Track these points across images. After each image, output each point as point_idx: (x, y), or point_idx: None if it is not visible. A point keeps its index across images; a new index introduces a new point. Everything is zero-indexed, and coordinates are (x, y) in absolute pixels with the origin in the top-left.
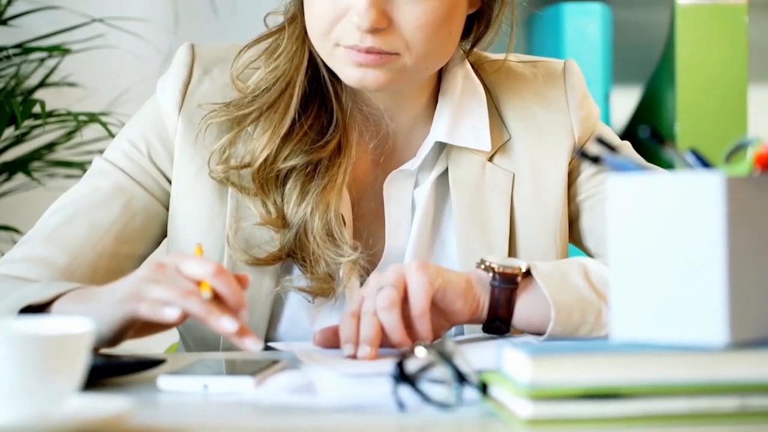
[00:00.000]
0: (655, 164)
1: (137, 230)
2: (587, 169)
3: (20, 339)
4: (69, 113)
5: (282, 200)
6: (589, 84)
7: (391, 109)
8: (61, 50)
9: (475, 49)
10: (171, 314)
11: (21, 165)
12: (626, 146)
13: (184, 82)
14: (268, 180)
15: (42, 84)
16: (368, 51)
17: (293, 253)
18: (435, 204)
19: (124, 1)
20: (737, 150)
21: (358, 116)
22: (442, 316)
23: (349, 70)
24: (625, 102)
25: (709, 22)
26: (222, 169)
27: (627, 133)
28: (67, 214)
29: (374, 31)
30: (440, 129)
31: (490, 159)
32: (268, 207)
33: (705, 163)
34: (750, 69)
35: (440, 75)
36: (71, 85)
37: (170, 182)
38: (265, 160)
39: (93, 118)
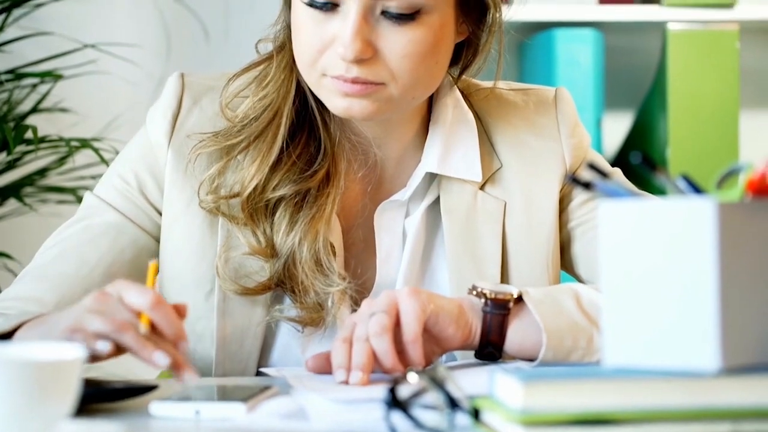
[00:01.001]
0: (647, 190)
1: (126, 265)
2: (578, 196)
3: (12, 365)
4: (61, 139)
5: (271, 229)
6: (580, 110)
7: (380, 138)
8: (53, 76)
9: (464, 76)
10: (103, 348)
11: (13, 190)
12: (617, 173)
13: (173, 112)
14: (257, 209)
15: (34, 109)
16: (354, 81)
17: (282, 283)
18: (426, 233)
19: (116, 27)
20: (729, 176)
21: (346, 145)
22: (434, 342)
23: (335, 99)
24: (617, 127)
25: (700, 47)
26: (212, 199)
27: (619, 159)
28: (56, 251)
29: (359, 61)
30: (431, 159)
31: (482, 187)
32: (257, 236)
33: (697, 189)
34: (742, 94)
35: (430, 103)
36: (63, 110)
37: (161, 214)
38: (254, 189)
39: (85, 143)
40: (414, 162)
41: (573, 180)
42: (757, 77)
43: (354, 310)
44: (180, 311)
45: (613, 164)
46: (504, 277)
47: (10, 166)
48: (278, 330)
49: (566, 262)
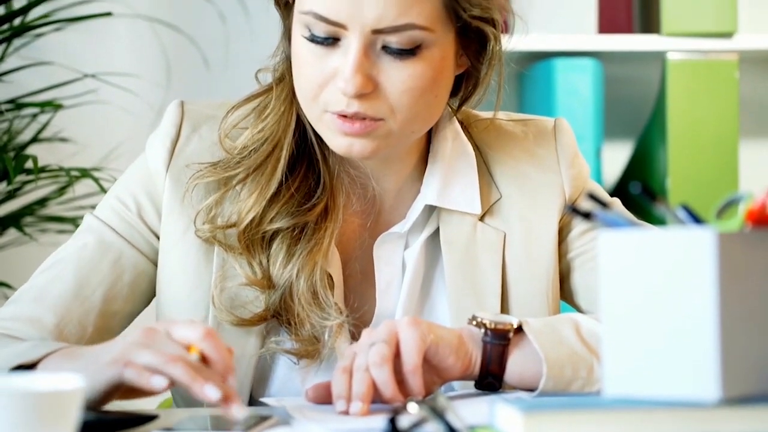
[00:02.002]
0: (647, 220)
1: (125, 288)
2: (578, 227)
3: (13, 395)
4: (61, 168)
5: (268, 261)
6: (580, 139)
7: (379, 172)
8: (53, 106)
9: (463, 107)
10: (158, 383)
11: (13, 220)
12: (616, 203)
13: (172, 140)
14: (254, 241)
15: (34, 139)
16: (354, 116)
17: (278, 315)
18: (425, 265)
19: (116, 56)
20: (729, 206)
21: (345, 179)
22: (434, 372)
23: (336, 138)
24: (617, 157)
25: (700, 77)
26: (208, 229)
27: (619, 189)
28: (55, 272)
29: (360, 96)
30: (430, 191)
31: (481, 218)
32: (253, 267)
33: (696, 219)
34: (741, 124)
35: (429, 136)
36: (63, 140)
37: (159, 239)
38: (251, 221)
39: (85, 173)
40: (412, 194)
41: (573, 210)
42: (756, 107)
43: (352, 342)
44: (228, 350)
45: (613, 194)
46: (504, 308)
47: (11, 195)
48: (276, 361)
49: (566, 293)
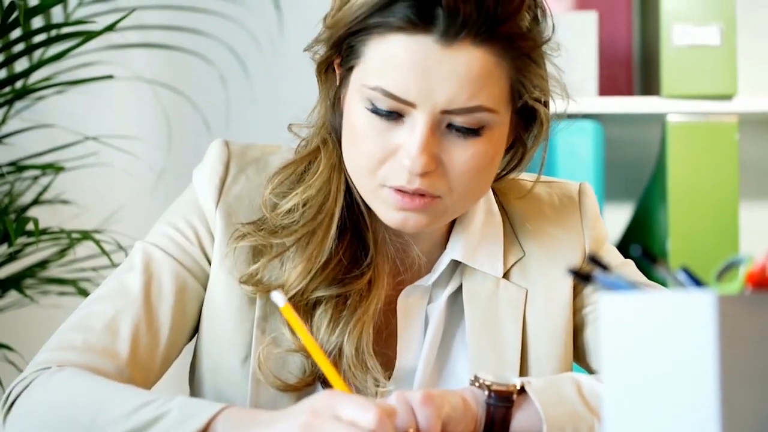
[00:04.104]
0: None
1: (190, 319)
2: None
3: None
4: (62, 231)
5: (311, 326)
6: None
7: (417, 237)
8: (54, 168)
9: (518, 170)
10: None
11: (14, 282)
12: (629, 265)
13: (221, 177)
14: (298, 308)
15: (35, 202)
16: (414, 193)
17: (325, 381)
18: (447, 320)
19: (117, 119)
20: (729, 268)
21: (390, 247)
22: None
23: (391, 213)
24: (618, 219)
25: (700, 139)
26: (251, 290)
27: (619, 251)
28: (124, 302)
29: (423, 174)
30: (457, 249)
31: (505, 275)
32: (296, 334)
33: (697, 282)
34: (741, 186)
35: None
36: (64, 202)
37: (210, 265)
38: (297, 292)
39: (86, 235)
40: (439, 249)
41: (575, 274)
42: (756, 169)
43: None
44: None
45: None
46: (523, 364)
47: (11, 257)
48: None
49: (576, 350)
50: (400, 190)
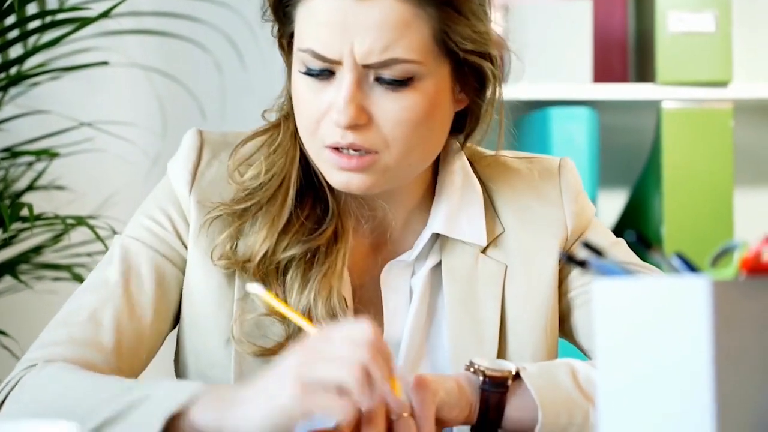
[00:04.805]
0: None
1: (172, 306)
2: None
3: None
4: (57, 216)
5: (284, 290)
6: None
7: (385, 202)
8: (49, 154)
9: (468, 144)
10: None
11: (9, 268)
12: (620, 244)
13: (194, 163)
14: (269, 272)
15: (30, 187)
16: (350, 147)
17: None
18: (431, 292)
19: (112, 105)
20: (723, 254)
21: (352, 204)
22: (435, 423)
23: (334, 174)
24: (612, 205)
25: (694, 125)
26: (224, 264)
27: None
28: (104, 293)
29: (354, 127)
30: (438, 222)
31: (484, 251)
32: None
33: (691, 267)
34: (736, 172)
35: (436, 169)
36: (59, 188)
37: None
38: (265, 254)
39: (81, 221)
40: (420, 224)
41: (568, 258)
42: (751, 155)
43: None
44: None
45: None
46: (502, 340)
47: (6, 243)
48: None
49: (567, 331)
50: (336, 149)
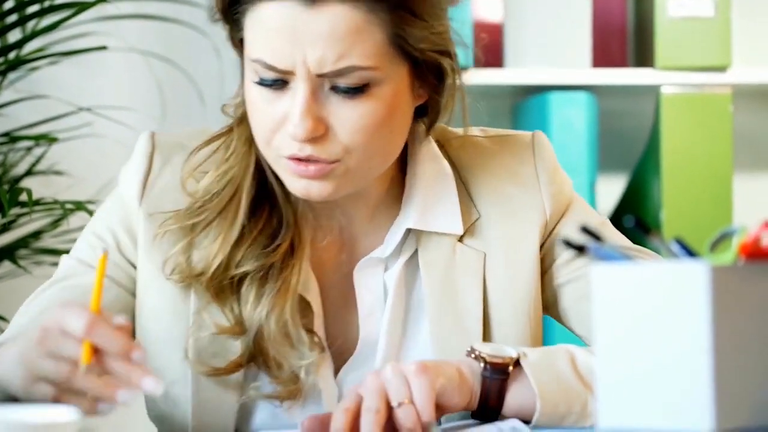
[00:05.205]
0: None
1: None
2: (563, 254)
3: (5, 426)
4: (56, 201)
5: (239, 305)
6: (574, 173)
7: (346, 205)
8: (48, 139)
9: (437, 124)
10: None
11: (7, 253)
12: (606, 224)
13: (144, 172)
14: (223, 287)
15: (29, 172)
16: (308, 160)
17: (254, 358)
18: (406, 287)
19: (111, 90)
20: (722, 239)
21: (309, 215)
22: (436, 408)
23: (293, 182)
24: (611, 190)
25: (694, 110)
26: (177, 279)
27: (613, 222)
28: (35, 313)
29: (312, 139)
30: (410, 215)
31: (460, 239)
32: (225, 314)
33: (690, 252)
34: (735, 157)
35: (404, 158)
36: (58, 173)
37: (136, 269)
38: (218, 267)
39: (80, 206)
40: (389, 217)
41: (567, 244)
42: (750, 140)
43: (336, 370)
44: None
45: None
46: (486, 330)
47: (5, 228)
48: (256, 405)
49: (560, 318)
50: (296, 159)
